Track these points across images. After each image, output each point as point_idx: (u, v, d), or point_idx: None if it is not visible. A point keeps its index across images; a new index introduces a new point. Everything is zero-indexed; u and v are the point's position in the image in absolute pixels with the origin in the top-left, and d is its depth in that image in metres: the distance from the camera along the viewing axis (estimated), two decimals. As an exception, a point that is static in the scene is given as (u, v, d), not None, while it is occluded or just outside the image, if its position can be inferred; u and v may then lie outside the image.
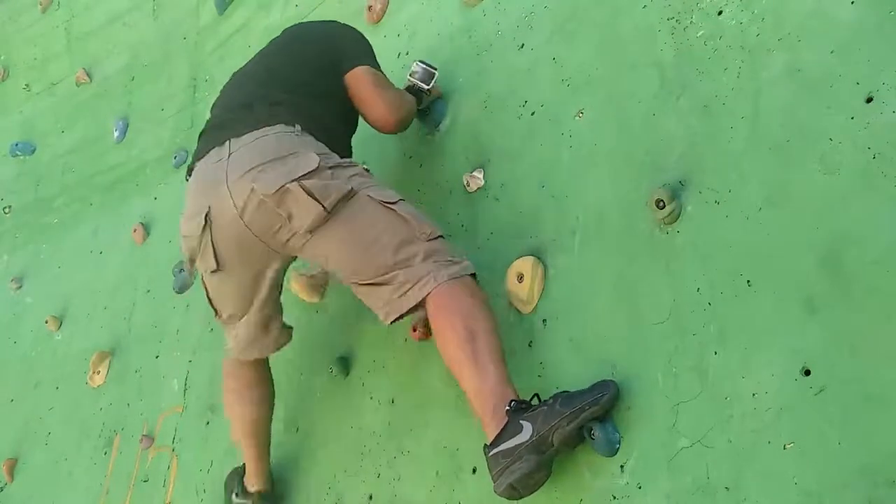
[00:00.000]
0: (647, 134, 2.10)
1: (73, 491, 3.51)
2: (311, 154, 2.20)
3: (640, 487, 1.82)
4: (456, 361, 2.04)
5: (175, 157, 4.01)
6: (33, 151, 4.90)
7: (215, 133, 2.35)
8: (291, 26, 2.75)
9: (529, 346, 2.18)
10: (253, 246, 2.25)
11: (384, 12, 3.19)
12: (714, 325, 1.81)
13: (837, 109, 1.74)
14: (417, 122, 2.77)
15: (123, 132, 4.44)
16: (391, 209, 2.20)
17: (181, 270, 3.47)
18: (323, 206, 2.13)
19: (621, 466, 1.86)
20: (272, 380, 2.64)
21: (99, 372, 3.70)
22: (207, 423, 3.07)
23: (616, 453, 1.88)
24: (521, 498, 1.91)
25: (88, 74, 4.77)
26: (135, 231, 3.96)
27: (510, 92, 2.54)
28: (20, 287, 4.51)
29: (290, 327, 2.57)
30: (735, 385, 1.73)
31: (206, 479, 2.93)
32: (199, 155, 2.35)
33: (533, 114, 2.44)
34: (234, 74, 2.64)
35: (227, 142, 2.26)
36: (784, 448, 1.62)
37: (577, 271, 2.14)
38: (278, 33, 2.74)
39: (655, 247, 1.98)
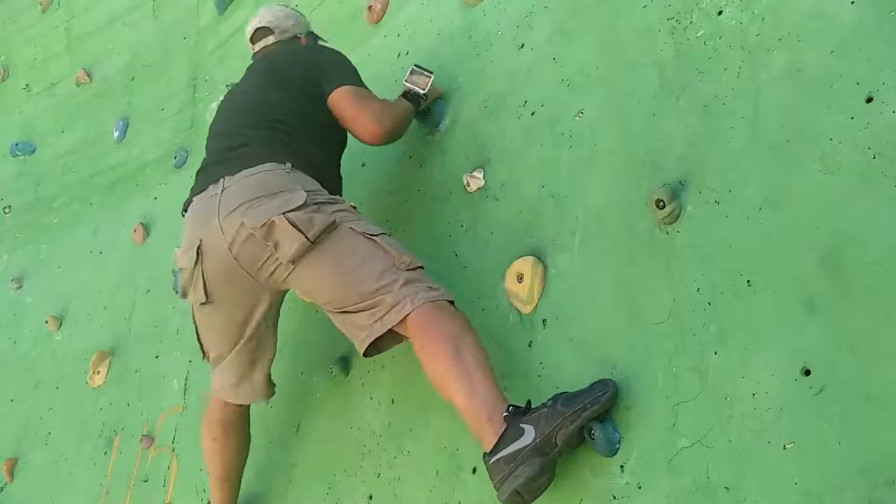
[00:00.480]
0: (647, 134, 2.10)
1: (73, 491, 3.51)
2: (299, 191, 2.27)
3: (640, 487, 1.82)
4: (442, 377, 2.04)
5: (175, 157, 4.02)
6: (33, 151, 4.90)
7: (212, 169, 2.44)
8: (273, 52, 2.77)
9: (529, 346, 2.18)
10: (240, 278, 2.31)
11: (384, 12, 3.20)
12: (714, 325, 1.80)
13: (837, 109, 1.74)
14: (417, 122, 2.77)
15: (123, 132, 4.44)
16: (372, 240, 2.25)
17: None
18: (306, 236, 2.19)
19: (621, 466, 1.86)
20: (249, 429, 2.71)
21: (99, 372, 3.70)
22: (207, 423, 3.06)
23: (616, 453, 1.87)
24: None
25: (88, 74, 4.77)
26: (135, 231, 3.96)
27: (510, 92, 2.54)
28: (20, 287, 4.51)
29: (274, 384, 2.63)
30: (735, 385, 1.73)
31: (206, 479, 2.92)
32: (197, 191, 2.44)
33: (533, 114, 2.44)
34: (222, 107, 2.67)
35: (221, 179, 2.35)
36: (784, 448, 1.62)
37: (577, 271, 2.14)
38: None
39: (655, 247, 1.98)
